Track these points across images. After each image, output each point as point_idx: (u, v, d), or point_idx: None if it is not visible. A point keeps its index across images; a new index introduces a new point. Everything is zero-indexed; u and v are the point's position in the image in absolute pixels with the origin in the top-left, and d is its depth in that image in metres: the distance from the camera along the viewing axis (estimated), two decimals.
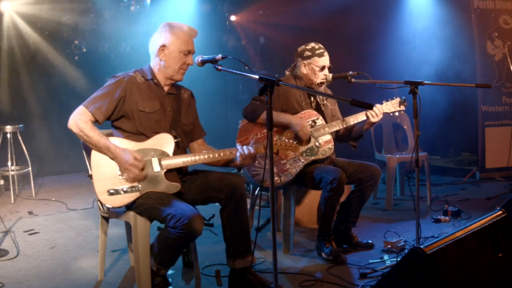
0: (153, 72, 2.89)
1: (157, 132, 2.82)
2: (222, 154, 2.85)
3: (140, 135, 2.81)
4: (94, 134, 2.67)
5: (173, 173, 2.83)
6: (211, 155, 2.83)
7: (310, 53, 3.54)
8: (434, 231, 3.95)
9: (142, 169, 2.69)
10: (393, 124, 5.34)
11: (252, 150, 2.82)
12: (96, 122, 2.73)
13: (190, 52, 2.85)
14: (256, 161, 3.36)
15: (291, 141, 2.87)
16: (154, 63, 2.90)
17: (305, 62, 3.55)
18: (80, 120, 2.68)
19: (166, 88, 2.93)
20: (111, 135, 2.89)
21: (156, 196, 2.70)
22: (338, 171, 3.32)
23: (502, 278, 2.17)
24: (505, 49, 5.94)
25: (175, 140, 2.84)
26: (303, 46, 3.59)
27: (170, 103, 2.93)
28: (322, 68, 3.54)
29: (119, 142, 2.75)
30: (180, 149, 2.91)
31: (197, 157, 2.81)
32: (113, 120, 2.84)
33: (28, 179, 5.69)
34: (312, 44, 3.57)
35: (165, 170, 2.76)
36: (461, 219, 4.27)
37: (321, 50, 3.55)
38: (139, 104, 2.80)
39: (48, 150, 6.65)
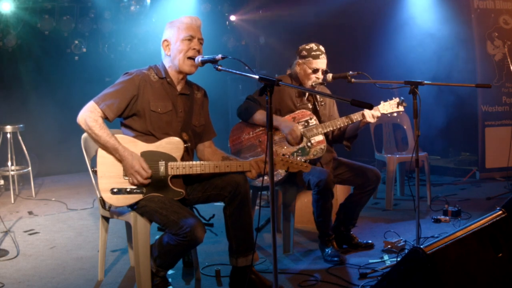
0: (166, 70, 2.86)
1: (167, 134, 2.78)
2: (230, 167, 2.81)
3: (149, 135, 2.77)
4: (103, 134, 2.63)
5: (179, 179, 2.80)
6: (219, 166, 2.79)
7: (306, 53, 3.50)
8: (434, 231, 3.94)
9: (147, 177, 2.66)
10: (393, 124, 5.34)
11: (262, 170, 2.81)
12: (106, 119, 2.69)
13: (193, 37, 2.78)
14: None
15: (303, 160, 2.88)
16: (165, 61, 2.88)
17: (300, 61, 3.52)
18: (89, 117, 2.64)
19: (179, 88, 2.88)
20: (120, 133, 2.84)
21: (159, 200, 2.67)
22: (324, 172, 3.29)
23: (502, 278, 2.17)
24: (505, 49, 5.94)
25: (185, 145, 2.80)
26: (303, 45, 3.55)
27: (182, 104, 2.88)
28: (315, 71, 3.49)
29: (128, 140, 2.72)
30: (189, 155, 2.87)
31: (204, 168, 2.77)
32: (124, 117, 2.80)
33: (28, 179, 5.69)
34: (312, 45, 3.52)
35: (171, 175, 2.74)
36: (461, 219, 4.27)
37: (318, 52, 3.48)
38: (151, 103, 2.76)
39: (48, 150, 6.65)
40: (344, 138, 3.64)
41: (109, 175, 2.66)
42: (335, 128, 3.48)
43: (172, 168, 2.72)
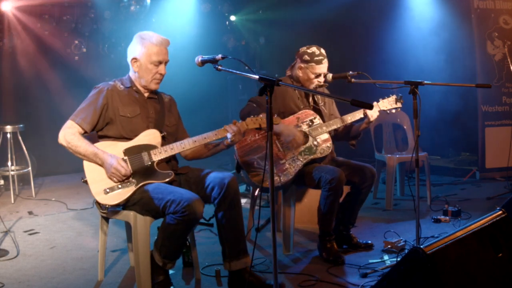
0: (132, 81, 2.99)
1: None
2: (207, 137, 2.91)
3: (124, 139, 2.88)
4: (82, 144, 2.77)
5: (164, 164, 2.92)
6: (197, 140, 2.90)
7: (308, 58, 3.50)
8: (434, 231, 3.95)
9: (126, 173, 2.74)
10: (393, 124, 5.34)
11: (239, 126, 2.91)
12: (85, 133, 2.84)
13: (161, 62, 2.92)
14: (255, 162, 3.36)
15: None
16: (132, 75, 3.01)
17: (302, 65, 3.54)
18: (68, 133, 2.79)
19: (146, 94, 3.02)
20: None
21: (152, 187, 2.76)
22: (337, 170, 3.32)
23: (502, 278, 2.17)
24: (505, 49, 5.94)
25: (162, 135, 2.92)
26: (305, 48, 3.55)
27: (152, 106, 3.02)
28: (318, 76, 3.52)
29: (108, 144, 2.85)
30: (166, 143, 2.96)
31: (184, 143, 2.89)
32: (100, 129, 2.91)
33: (28, 179, 5.69)
34: (314, 49, 3.52)
35: (156, 161, 2.84)
36: (461, 219, 4.27)
37: (321, 57, 3.49)
38: (120, 109, 2.90)
39: (48, 150, 6.63)
40: (349, 137, 3.69)
41: (98, 178, 2.76)
42: (339, 126, 3.53)
43: (155, 154, 2.85)
